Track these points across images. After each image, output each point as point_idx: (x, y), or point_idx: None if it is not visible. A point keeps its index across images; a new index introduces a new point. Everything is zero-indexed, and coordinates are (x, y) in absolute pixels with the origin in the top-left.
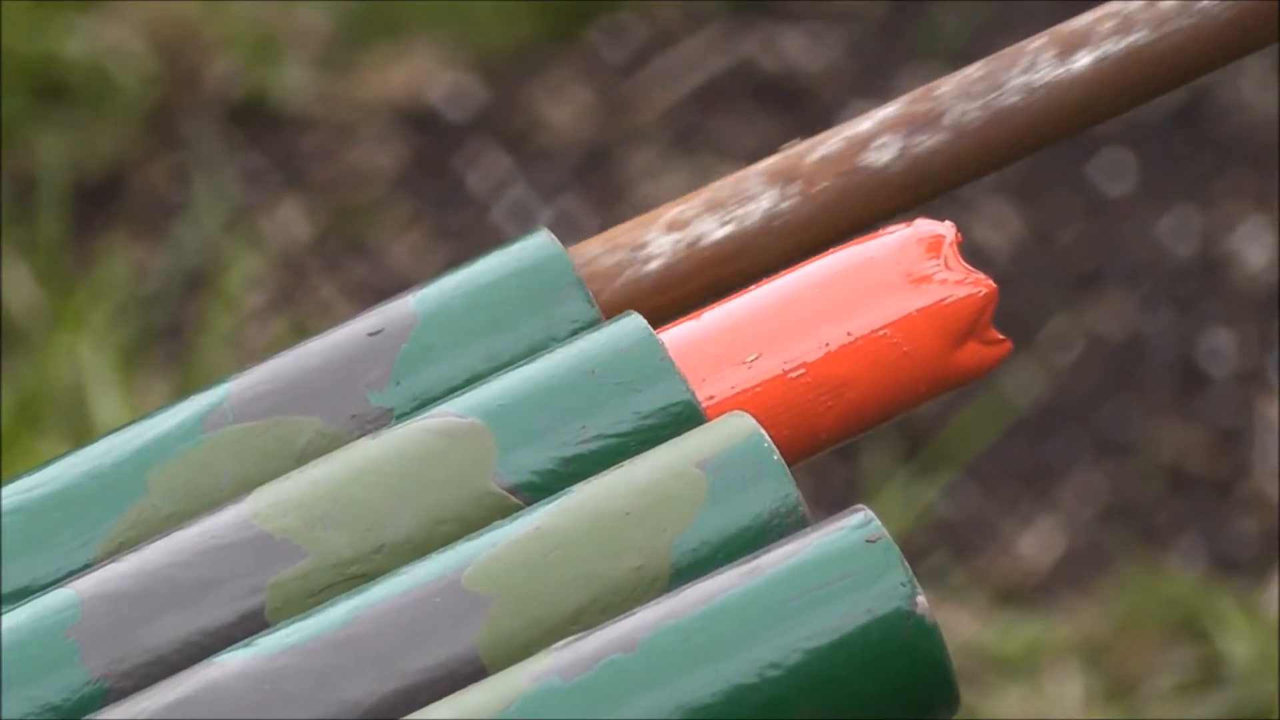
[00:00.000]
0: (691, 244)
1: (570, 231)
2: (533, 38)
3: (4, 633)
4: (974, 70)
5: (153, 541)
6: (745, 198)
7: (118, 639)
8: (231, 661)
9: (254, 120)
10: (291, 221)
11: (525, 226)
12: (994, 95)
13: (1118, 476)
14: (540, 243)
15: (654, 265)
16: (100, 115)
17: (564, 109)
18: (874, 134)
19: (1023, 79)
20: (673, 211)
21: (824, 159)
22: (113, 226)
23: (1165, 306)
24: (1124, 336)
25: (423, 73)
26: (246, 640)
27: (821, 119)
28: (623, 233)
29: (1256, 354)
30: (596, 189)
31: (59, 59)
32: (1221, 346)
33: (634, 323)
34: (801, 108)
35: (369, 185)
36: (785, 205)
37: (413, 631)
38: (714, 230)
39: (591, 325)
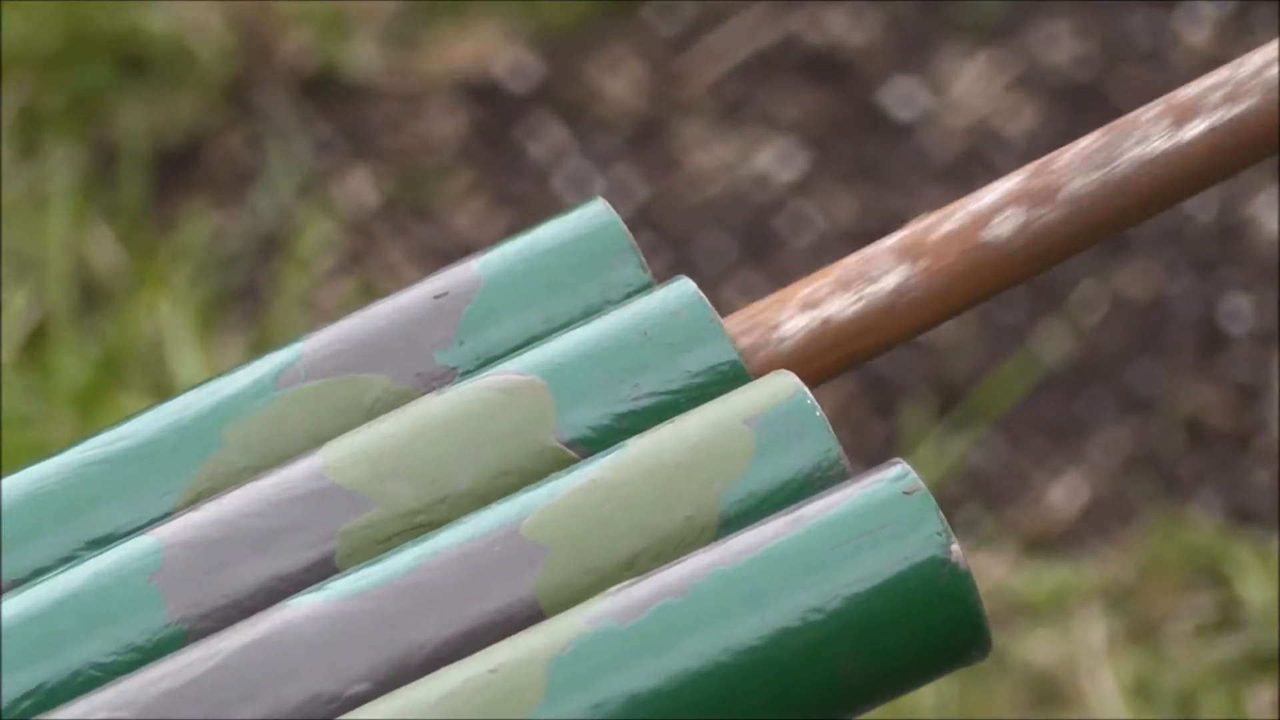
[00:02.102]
0: (825, 321)
1: (626, 199)
2: (589, 14)
3: (90, 578)
4: (1090, 142)
5: (229, 492)
6: (873, 276)
7: (196, 584)
8: (303, 605)
9: (325, 92)
10: (360, 189)
11: (583, 195)
12: (1110, 168)
13: (1142, 431)
14: (596, 210)
15: (788, 344)
16: (180, 87)
17: (619, 82)
18: (996, 209)
19: (1137, 150)
20: (805, 290)
21: (948, 235)
22: (191, 193)
23: (1187, 270)
24: (1148, 299)
25: (485, 48)
26: (317, 585)
27: (862, 92)
28: (758, 312)
29: (1274, 315)
30: (650, 158)
31: (141, 33)
32: (1241, 308)
33: (684, 286)
34: (843, 81)
35: (434, 154)
36: (913, 281)
37: (475, 578)
38: (845, 308)
39: (644, 289)
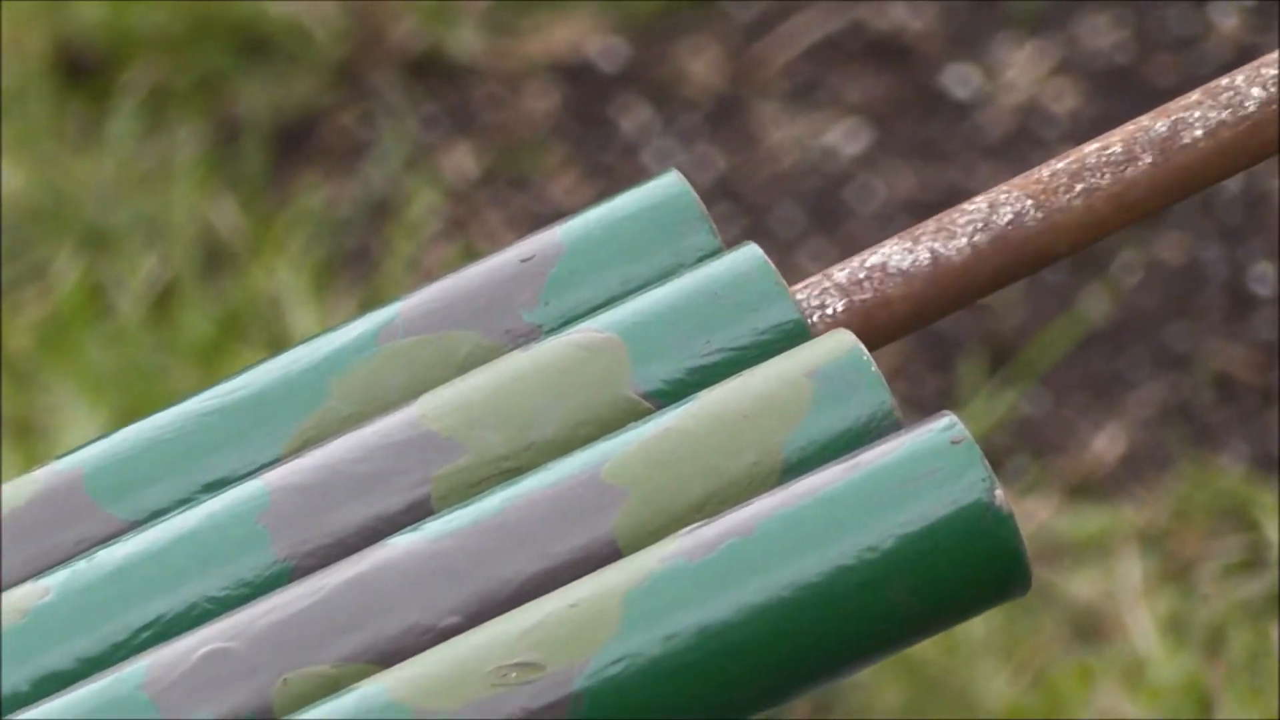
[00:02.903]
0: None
1: (705, 172)
2: (672, 2)
3: (204, 519)
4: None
5: (332, 440)
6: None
7: (302, 524)
8: (401, 543)
9: (431, 73)
10: (463, 161)
11: (666, 167)
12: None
13: (1175, 385)
14: (671, 182)
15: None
16: (297, 68)
17: (700, 64)
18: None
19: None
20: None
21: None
22: (307, 165)
23: (1217, 238)
24: (1182, 264)
25: (577, 33)
26: (414, 525)
27: (921, 75)
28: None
29: None
30: (728, 135)
31: (262, 18)
32: (1266, 273)
33: (751, 252)
34: (904, 65)
35: (530, 130)
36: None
37: (558, 519)
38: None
39: (714, 254)
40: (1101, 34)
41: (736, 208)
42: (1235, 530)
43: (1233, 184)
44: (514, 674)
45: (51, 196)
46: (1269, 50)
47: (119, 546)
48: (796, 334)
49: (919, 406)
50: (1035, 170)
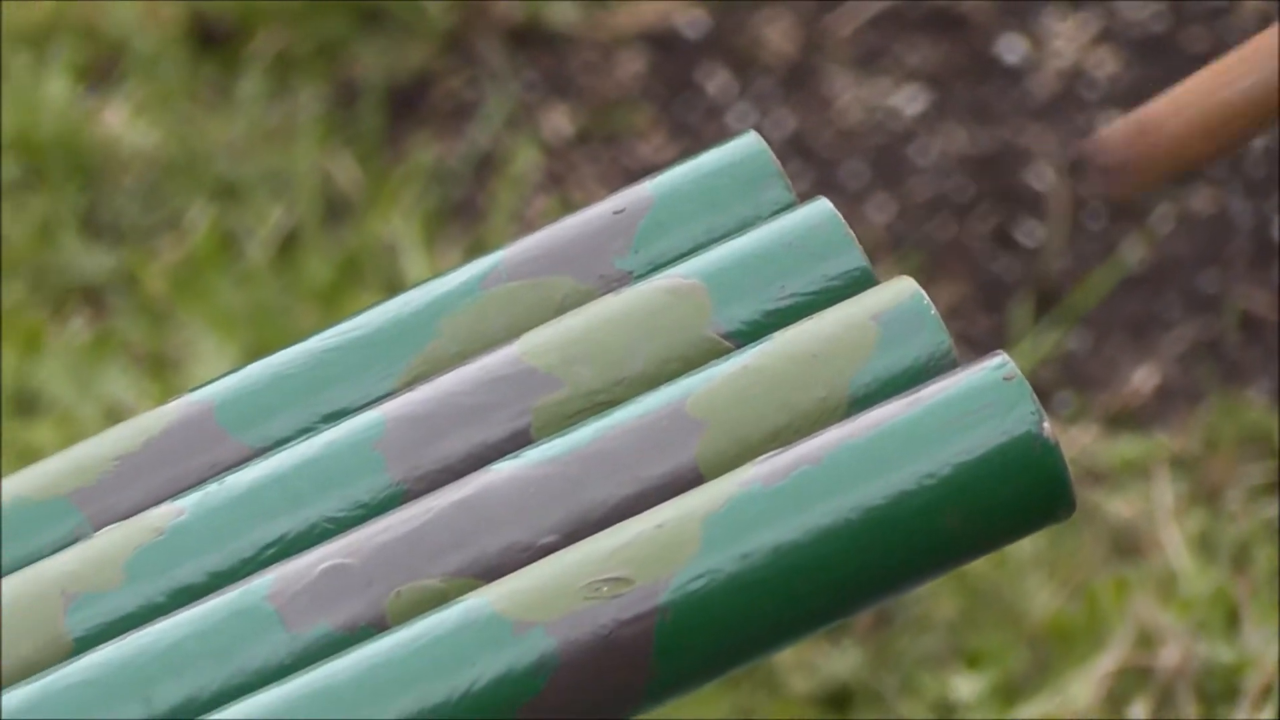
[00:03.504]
0: None
1: (779, 131)
2: None
3: (324, 446)
4: None
5: (441, 375)
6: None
7: (413, 451)
8: (504, 469)
9: (531, 41)
10: (560, 122)
11: (746, 126)
12: None
13: (1205, 325)
14: (749, 141)
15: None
16: (410, 35)
17: (775, 33)
18: None
19: None
20: None
21: None
22: (419, 125)
23: (1244, 191)
24: (1212, 214)
25: (665, 4)
26: (515, 452)
27: (976, 42)
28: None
29: None
30: (800, 97)
31: None
32: None
33: (823, 205)
34: (960, 33)
35: (622, 94)
36: None
37: (645, 447)
38: None
39: (788, 207)
40: (1139, 6)
41: (808, 164)
42: (1260, 457)
43: (1259, 141)
44: (605, 588)
45: (186, 152)
46: None
47: (247, 471)
48: (863, 280)
49: (973, 345)
50: None
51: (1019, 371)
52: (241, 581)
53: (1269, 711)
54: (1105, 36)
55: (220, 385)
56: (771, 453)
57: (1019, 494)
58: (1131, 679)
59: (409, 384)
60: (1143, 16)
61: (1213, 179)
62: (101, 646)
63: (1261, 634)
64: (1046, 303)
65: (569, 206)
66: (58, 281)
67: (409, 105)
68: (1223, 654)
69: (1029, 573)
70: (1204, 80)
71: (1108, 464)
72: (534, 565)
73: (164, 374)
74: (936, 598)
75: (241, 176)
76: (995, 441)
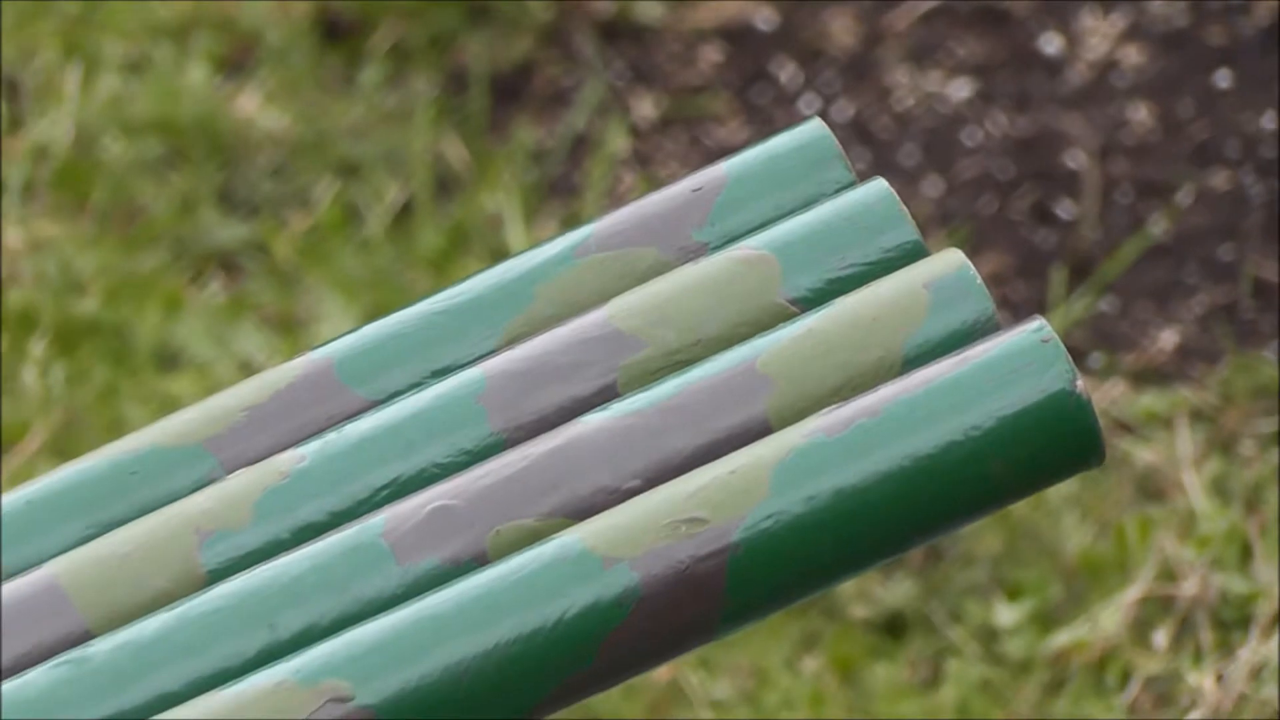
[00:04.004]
0: None
1: (841, 116)
2: None
3: (433, 399)
4: None
5: (538, 335)
6: None
7: (512, 404)
8: (593, 420)
9: (621, 34)
10: (646, 107)
11: (813, 111)
12: None
13: (1223, 291)
14: (814, 126)
15: None
16: (513, 29)
17: (837, 29)
18: None
19: None
20: None
21: None
22: (521, 109)
23: (1256, 171)
24: (1228, 190)
25: (740, 3)
26: (603, 405)
27: (1018, 37)
28: None
29: None
30: (860, 85)
31: None
32: None
33: (879, 184)
34: (1003, 28)
35: (701, 82)
36: None
37: (720, 401)
38: None
39: (849, 186)
40: (1164, 4)
41: (866, 147)
42: (1271, 410)
43: (1268, 122)
44: (684, 527)
45: (312, 134)
46: None
47: (363, 421)
48: (915, 252)
49: (1014, 310)
50: None
51: (1055, 334)
52: (358, 520)
53: (1277, 638)
54: (1133, 32)
55: (340, 343)
56: (833, 406)
57: (1055, 443)
58: (1155, 608)
59: (509, 343)
60: (1167, 13)
61: (1229, 160)
62: (231, 579)
63: (1271, 567)
64: (1080, 271)
65: (654, 184)
66: (197, 249)
67: (512, 92)
68: (1236, 585)
69: (1063, 513)
70: None
71: (1134, 416)
72: (620, 506)
73: (291, 333)
74: (980, 535)
75: (362, 155)
76: (1034, 397)
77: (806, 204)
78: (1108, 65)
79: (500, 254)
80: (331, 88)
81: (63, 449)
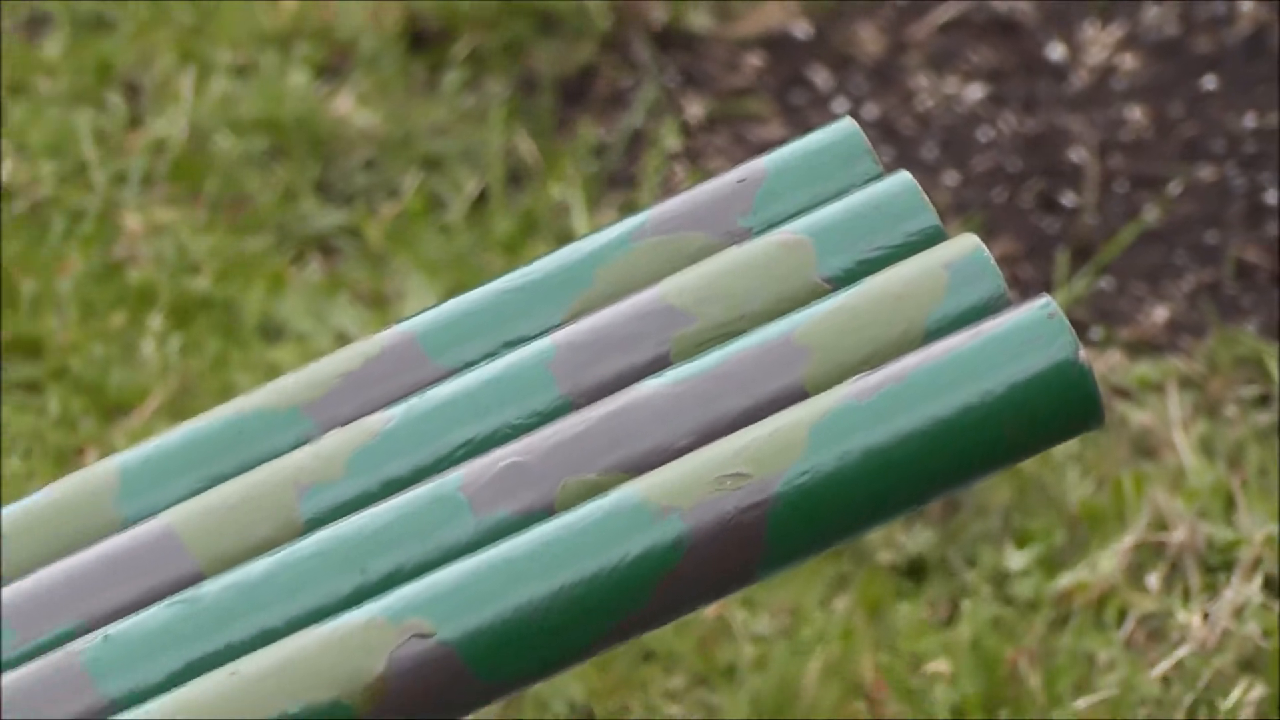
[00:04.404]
0: None
1: (869, 115)
2: None
3: (506, 367)
4: None
5: (599, 310)
6: None
7: (578, 371)
8: (649, 385)
9: (673, 42)
10: (696, 108)
11: (845, 112)
12: None
13: (1209, 271)
14: (845, 124)
15: None
16: (577, 37)
17: (865, 38)
18: None
19: None
20: None
21: None
22: (584, 109)
23: (1239, 164)
24: (1215, 182)
25: (779, 15)
26: (658, 373)
27: (1027, 45)
28: None
29: None
30: (885, 88)
31: (552, 0)
32: (1275, 186)
33: (904, 176)
34: (1013, 38)
35: (745, 85)
36: None
37: (762, 369)
38: None
39: (877, 177)
40: (1156, 15)
41: (892, 143)
42: (1251, 378)
43: (1250, 121)
44: (729, 481)
45: (400, 131)
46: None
47: (443, 387)
48: (935, 237)
49: (1023, 288)
50: None
51: (1059, 310)
52: (438, 475)
53: (1258, 580)
54: (1129, 40)
55: (423, 317)
56: (863, 374)
57: (1060, 407)
58: (1148, 553)
59: (574, 317)
60: (1159, 23)
61: (1215, 156)
62: (327, 527)
63: (1252, 518)
64: (1081, 254)
65: (702, 176)
66: (297, 234)
67: (576, 94)
68: (1221, 533)
69: (1067, 469)
70: None
71: (1129, 382)
72: (672, 463)
73: (381, 308)
74: (993, 489)
75: (443, 151)
76: (1041, 366)
77: (839, 194)
78: (1106, 70)
79: (565, 238)
80: (417, 90)
81: (178, 411)
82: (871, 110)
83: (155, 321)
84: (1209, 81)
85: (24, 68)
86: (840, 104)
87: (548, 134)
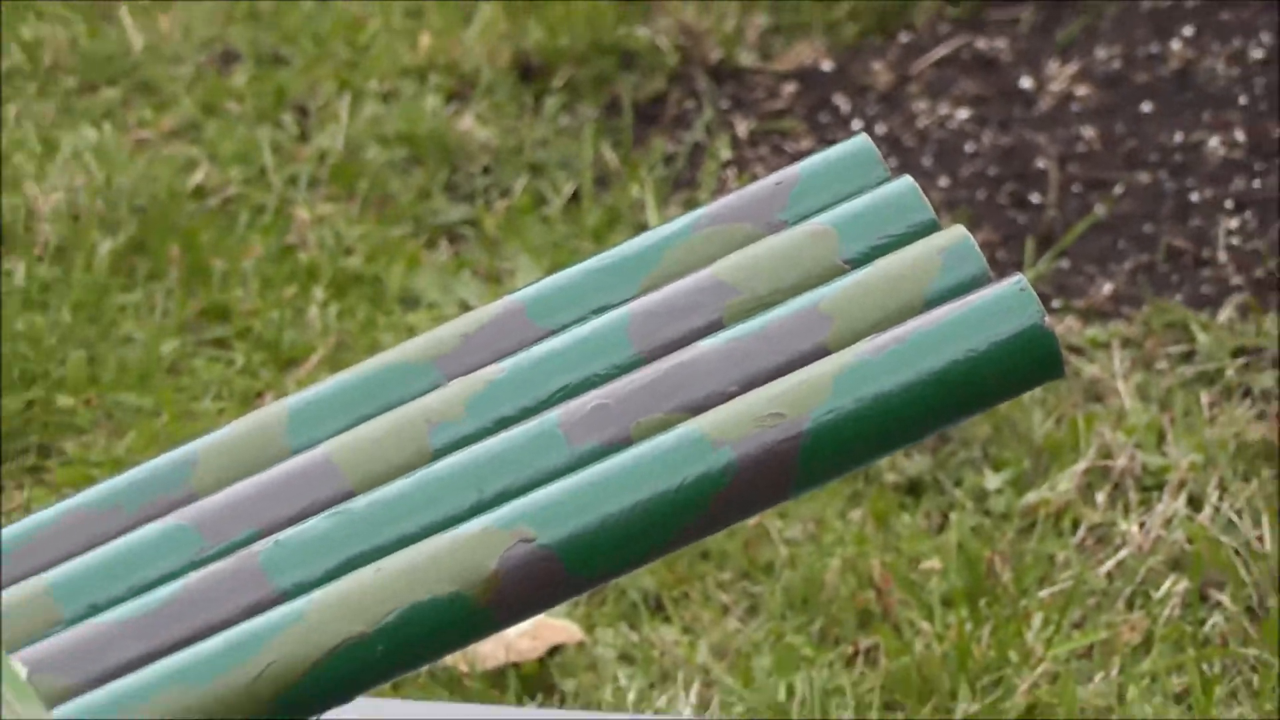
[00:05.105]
0: None
1: (879, 133)
2: (860, 35)
3: (593, 329)
4: None
5: (666, 285)
6: None
7: (649, 333)
8: (705, 344)
9: (725, 75)
10: (743, 126)
11: (859, 133)
12: None
13: (1146, 255)
14: (861, 140)
15: None
16: (650, 71)
17: (877, 73)
18: None
19: None
20: None
21: None
22: (655, 128)
23: (1170, 172)
24: (1149, 184)
25: (809, 53)
26: (713, 334)
27: (1001, 78)
28: None
29: (1221, 199)
30: (891, 111)
31: (633, 39)
32: (1201, 192)
33: (907, 180)
34: (992, 72)
35: (783, 109)
36: None
37: (795, 332)
38: None
39: (886, 181)
40: (1104, 54)
41: (897, 154)
42: (1179, 339)
43: (1178, 138)
44: (769, 420)
45: (511, 144)
46: (1213, 66)
47: (543, 345)
48: (931, 228)
49: (1000, 268)
50: None
51: (1029, 285)
52: (540, 414)
53: (1183, 498)
54: (1083, 74)
55: (528, 290)
56: (874, 335)
57: (1028, 362)
58: (1096, 476)
59: (645, 291)
60: (1107, 60)
61: (1150, 164)
62: (451, 455)
63: (1179, 449)
64: (1045, 242)
65: (748, 179)
66: (429, 224)
67: (649, 115)
68: (1154, 461)
69: (1033, 409)
70: None
71: (1082, 342)
72: (724, 405)
73: (496, 283)
74: (975, 426)
75: (545, 159)
76: (1014, 329)
77: (855, 193)
78: (1065, 97)
79: (640, 229)
80: (524, 112)
81: (335, 364)
82: (881, 128)
83: (318, 293)
84: (1146, 106)
85: (216, 93)
86: (857, 123)
87: (627, 147)
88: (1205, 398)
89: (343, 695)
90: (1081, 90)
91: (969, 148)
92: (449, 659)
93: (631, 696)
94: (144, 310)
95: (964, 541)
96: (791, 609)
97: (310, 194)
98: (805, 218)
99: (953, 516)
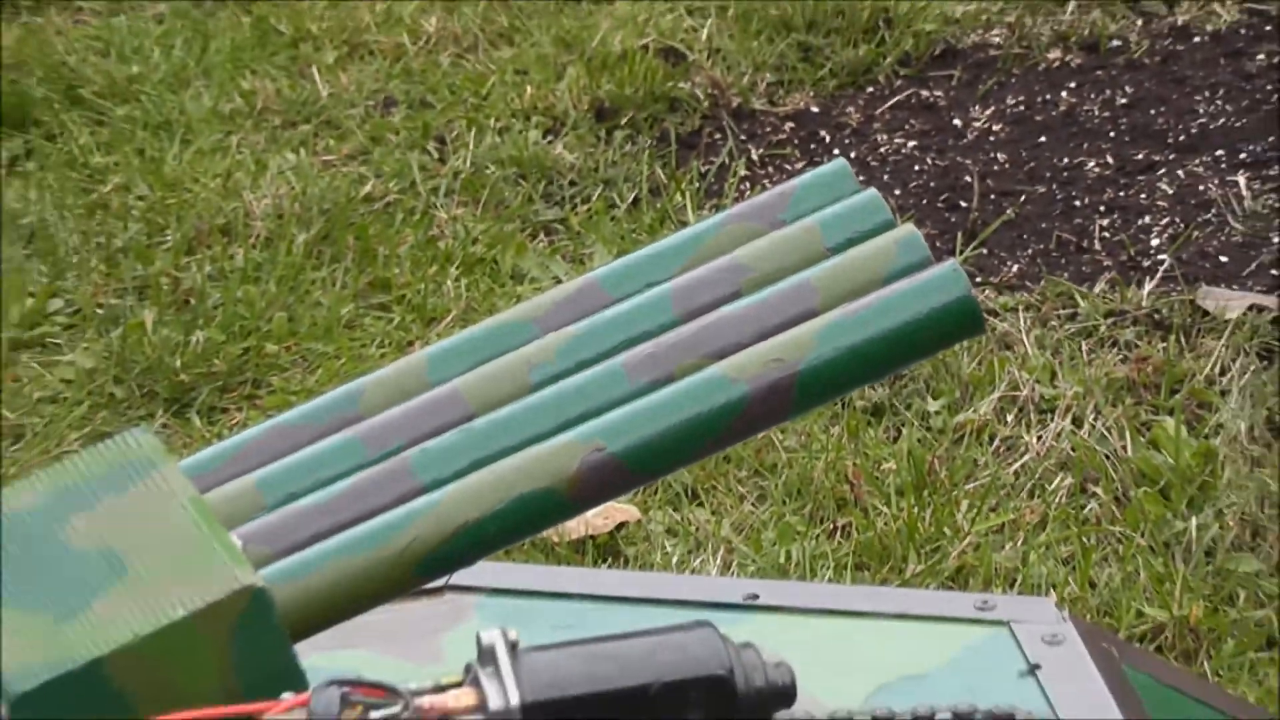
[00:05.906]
0: None
1: (853, 157)
2: (839, 87)
3: (644, 298)
4: None
5: (698, 267)
6: None
7: (685, 301)
8: (727, 309)
9: (743, 115)
10: (756, 154)
11: (843, 155)
12: None
13: (1043, 244)
14: (839, 163)
15: None
16: (689, 112)
17: (850, 115)
18: None
19: None
20: None
21: None
22: (693, 154)
23: (1058, 184)
24: (1046, 193)
25: (803, 99)
26: (731, 302)
27: (940, 118)
28: None
29: (1138, 198)
30: (860, 142)
31: (678, 90)
32: (1103, 195)
33: (872, 192)
34: (933, 113)
35: (784, 140)
36: None
37: (791, 300)
38: None
39: (856, 192)
40: (1011, 101)
41: (865, 174)
42: (1067, 305)
43: (1066, 161)
44: (773, 364)
45: (589, 166)
46: (1091, 109)
47: (610, 310)
48: (890, 225)
49: (939, 255)
50: None
51: (960, 267)
52: (608, 359)
53: (1069, 419)
54: (997, 115)
55: (602, 269)
56: (845, 305)
57: (959, 323)
58: (1007, 403)
59: (684, 270)
60: (1016, 105)
61: (1047, 179)
62: (546, 388)
63: (1066, 383)
64: (970, 236)
65: (760, 191)
66: (532, 222)
67: (688, 144)
68: (1048, 392)
69: (962, 355)
70: None
71: (997, 307)
72: (740, 352)
73: (579, 264)
74: (920, 367)
75: (613, 176)
76: (949, 298)
77: (835, 201)
78: (985, 132)
79: (682, 225)
80: (600, 142)
81: (465, 321)
82: (854, 154)
83: (453, 271)
84: (1042, 138)
85: (380, 128)
86: (836, 151)
87: (673, 167)
88: (1085, 346)
89: (466, 561)
90: (997, 126)
91: (916, 168)
92: (543, 534)
93: (675, 560)
94: (328, 283)
95: (912, 449)
96: (789, 497)
97: (447, 200)
98: (799, 218)
99: (904, 431)
